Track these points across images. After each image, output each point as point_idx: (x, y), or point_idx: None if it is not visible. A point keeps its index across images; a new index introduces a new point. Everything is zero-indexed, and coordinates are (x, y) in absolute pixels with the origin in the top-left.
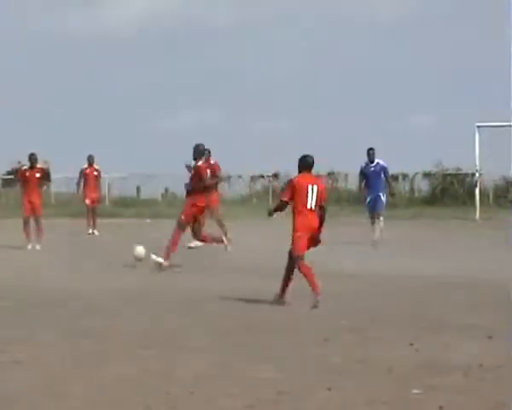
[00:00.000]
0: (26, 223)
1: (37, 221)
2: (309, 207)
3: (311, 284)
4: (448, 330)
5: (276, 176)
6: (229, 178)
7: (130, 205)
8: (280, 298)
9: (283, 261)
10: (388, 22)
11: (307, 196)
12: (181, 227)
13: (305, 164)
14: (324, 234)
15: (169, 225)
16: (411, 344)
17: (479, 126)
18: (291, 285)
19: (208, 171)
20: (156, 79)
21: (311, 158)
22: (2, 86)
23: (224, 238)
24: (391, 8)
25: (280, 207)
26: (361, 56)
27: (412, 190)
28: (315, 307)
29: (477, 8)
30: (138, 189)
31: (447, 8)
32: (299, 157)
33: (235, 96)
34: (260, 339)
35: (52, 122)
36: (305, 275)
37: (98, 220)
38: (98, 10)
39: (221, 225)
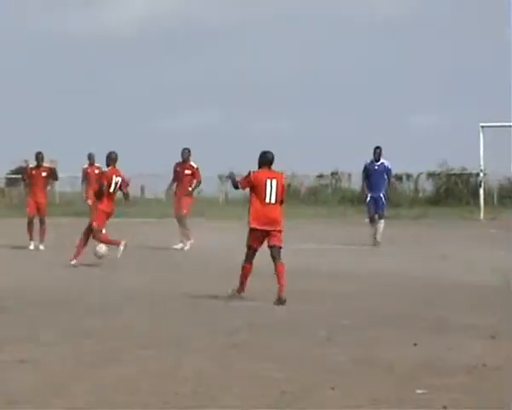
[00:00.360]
0: (29, 222)
1: (41, 221)
2: (267, 201)
3: (241, 281)
4: (451, 330)
5: None
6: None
7: (134, 205)
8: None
9: (291, 261)
10: (388, 22)
11: (265, 191)
12: (98, 233)
13: (265, 160)
14: (327, 234)
15: (174, 225)
16: (415, 344)
17: (483, 126)
18: (283, 282)
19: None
20: (156, 79)
21: (271, 154)
22: (6, 86)
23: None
24: (391, 8)
25: (235, 186)
26: (362, 56)
27: (416, 189)
28: (229, 298)
29: (478, 7)
30: (142, 188)
31: (447, 7)
32: (259, 153)
33: (235, 96)
34: (262, 339)
35: (55, 121)
36: (242, 269)
37: None
38: (98, 10)
39: (184, 227)
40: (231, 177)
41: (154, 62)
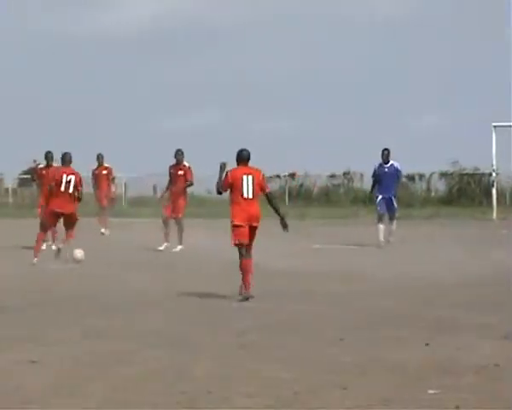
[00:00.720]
0: None
1: None
2: (245, 196)
3: (244, 279)
4: (463, 330)
5: (292, 176)
6: None
7: (147, 204)
8: (243, 293)
9: (296, 262)
10: (388, 22)
11: (242, 187)
12: (42, 228)
13: (242, 157)
14: (338, 234)
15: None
16: (427, 344)
17: (495, 126)
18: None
19: (64, 176)
20: (156, 80)
21: (247, 151)
22: (13, 87)
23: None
24: (391, 8)
25: (218, 191)
26: (365, 56)
27: (429, 189)
28: (243, 299)
29: (478, 7)
30: (155, 188)
31: (447, 7)
32: (237, 151)
33: (235, 96)
34: (274, 339)
35: (65, 121)
36: (242, 269)
37: (115, 220)
38: (98, 11)
39: (180, 229)
40: (222, 168)
41: (154, 62)
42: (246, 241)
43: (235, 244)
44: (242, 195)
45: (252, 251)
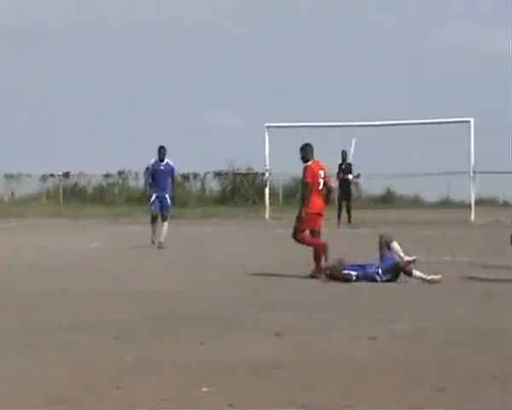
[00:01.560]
0: None
1: None
2: None
3: None
4: (236, 328)
5: (66, 175)
6: (18, 176)
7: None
8: None
9: (70, 260)
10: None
11: None
12: None
13: None
14: (115, 234)
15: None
16: (201, 343)
17: (268, 127)
18: None
19: None
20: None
21: None
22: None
23: None
24: None
25: None
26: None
27: (203, 189)
28: None
29: None
30: None
31: None
32: None
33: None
34: (47, 338)
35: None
36: None
37: None
38: None
39: None
40: None
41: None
42: None
43: None
44: None
45: None
